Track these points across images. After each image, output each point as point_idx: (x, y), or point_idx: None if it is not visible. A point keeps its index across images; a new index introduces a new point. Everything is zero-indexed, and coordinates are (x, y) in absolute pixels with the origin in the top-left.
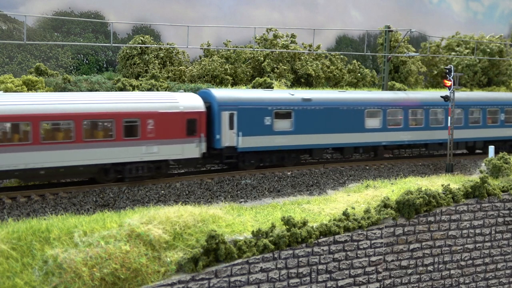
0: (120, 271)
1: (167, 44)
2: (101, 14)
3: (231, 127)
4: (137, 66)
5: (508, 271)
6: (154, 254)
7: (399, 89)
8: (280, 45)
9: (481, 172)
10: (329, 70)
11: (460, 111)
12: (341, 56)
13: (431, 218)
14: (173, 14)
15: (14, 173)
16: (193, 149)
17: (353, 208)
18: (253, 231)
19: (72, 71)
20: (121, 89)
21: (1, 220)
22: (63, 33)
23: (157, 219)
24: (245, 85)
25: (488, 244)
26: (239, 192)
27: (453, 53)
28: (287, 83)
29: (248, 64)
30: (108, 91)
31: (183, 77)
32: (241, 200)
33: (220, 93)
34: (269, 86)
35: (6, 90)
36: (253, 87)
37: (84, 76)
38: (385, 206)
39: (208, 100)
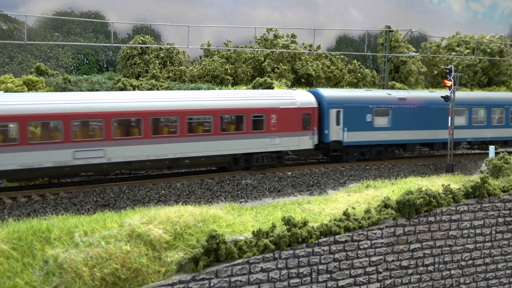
0: (120, 271)
1: (168, 44)
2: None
3: (338, 123)
4: (137, 66)
5: (508, 271)
6: (155, 254)
7: (399, 89)
8: (280, 45)
9: (481, 172)
10: (329, 70)
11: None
12: (342, 56)
13: (431, 218)
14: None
15: (165, 161)
16: (307, 141)
17: (353, 208)
18: (253, 231)
19: (72, 71)
20: (121, 89)
21: (1, 220)
22: (63, 33)
23: (158, 219)
24: (245, 85)
25: (489, 244)
26: (239, 192)
27: (453, 53)
28: (288, 83)
29: (249, 64)
30: (108, 91)
31: (184, 77)
32: (242, 200)
33: (328, 92)
34: (270, 87)
35: (7, 90)
36: (254, 87)
37: (85, 76)
38: (386, 206)
39: (317, 98)
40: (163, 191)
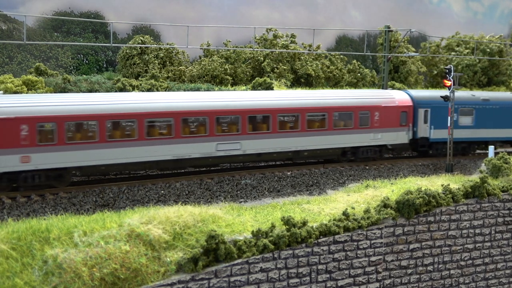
0: (120, 271)
1: (167, 44)
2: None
3: (425, 121)
4: (137, 66)
5: (508, 271)
6: (154, 254)
7: (399, 89)
8: (280, 45)
9: (481, 172)
10: (329, 70)
11: None
12: (341, 56)
13: (431, 218)
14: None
15: (288, 153)
16: (404, 136)
17: (353, 208)
18: (253, 231)
19: (72, 71)
20: (121, 90)
21: (1, 220)
22: (63, 33)
23: (157, 219)
24: (245, 85)
25: (488, 244)
26: (239, 192)
27: (453, 53)
28: (287, 83)
29: (248, 64)
30: (109, 91)
31: (183, 77)
32: (241, 200)
33: (417, 93)
34: (269, 87)
35: (6, 90)
36: (253, 87)
37: (84, 76)
38: (385, 206)
39: None
40: (162, 191)
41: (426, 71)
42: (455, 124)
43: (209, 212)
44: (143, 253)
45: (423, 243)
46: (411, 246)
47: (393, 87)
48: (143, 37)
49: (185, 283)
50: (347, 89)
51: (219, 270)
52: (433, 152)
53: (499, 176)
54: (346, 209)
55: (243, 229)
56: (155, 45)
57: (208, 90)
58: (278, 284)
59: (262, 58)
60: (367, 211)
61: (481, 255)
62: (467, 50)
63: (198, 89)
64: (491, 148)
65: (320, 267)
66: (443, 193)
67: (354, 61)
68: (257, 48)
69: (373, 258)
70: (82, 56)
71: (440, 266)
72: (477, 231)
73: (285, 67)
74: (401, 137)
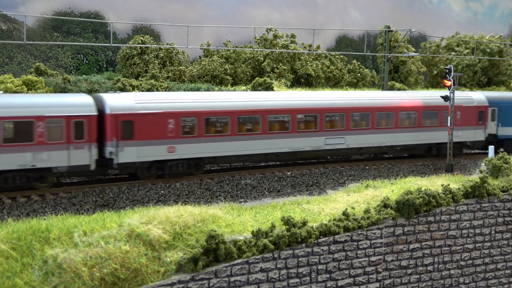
0: (120, 271)
1: (167, 44)
2: (101, 14)
3: (493, 120)
4: (137, 66)
5: (508, 271)
6: (154, 254)
7: (399, 89)
8: (280, 45)
9: (481, 172)
10: (329, 70)
11: None
12: (341, 56)
13: (431, 218)
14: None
15: (384, 148)
16: (481, 134)
17: (353, 208)
18: (253, 231)
19: (72, 71)
20: (121, 89)
21: (1, 220)
22: (63, 33)
23: (157, 219)
24: (245, 85)
25: (488, 244)
26: (239, 192)
27: (453, 53)
28: (287, 83)
29: (248, 64)
30: (108, 91)
31: (183, 77)
32: (241, 200)
33: (487, 94)
34: (269, 87)
35: (6, 90)
36: (253, 87)
37: (84, 76)
38: (385, 206)
39: None
40: (162, 191)
41: (426, 71)
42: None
43: (209, 212)
44: (143, 253)
45: (423, 243)
46: (411, 246)
47: (393, 87)
48: (143, 37)
49: (185, 283)
50: (432, 90)
51: (219, 270)
52: (503, 148)
53: (499, 176)
54: (346, 209)
55: (243, 229)
56: (155, 45)
57: (208, 90)
58: (278, 284)
59: (262, 58)
60: (367, 211)
61: (481, 255)
62: (467, 50)
63: (198, 89)
64: (491, 148)
65: (320, 267)
66: (443, 193)
67: (354, 61)
68: (257, 48)
69: (373, 258)
70: (82, 56)
71: (440, 266)
72: (477, 231)
73: (285, 67)
74: (478, 134)
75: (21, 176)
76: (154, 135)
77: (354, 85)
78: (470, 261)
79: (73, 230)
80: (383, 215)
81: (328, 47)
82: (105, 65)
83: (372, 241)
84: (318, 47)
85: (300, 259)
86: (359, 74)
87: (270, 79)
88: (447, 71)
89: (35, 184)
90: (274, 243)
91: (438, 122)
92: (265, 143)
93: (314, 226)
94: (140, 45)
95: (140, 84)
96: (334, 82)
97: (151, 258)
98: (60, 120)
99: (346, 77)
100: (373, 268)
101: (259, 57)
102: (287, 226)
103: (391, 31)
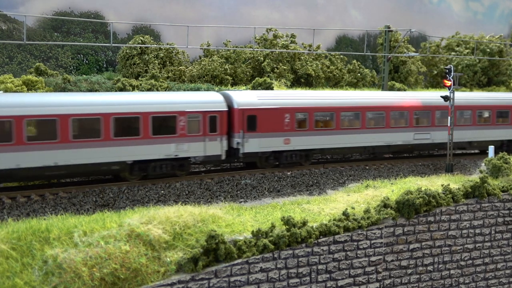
0: (120, 271)
1: (167, 44)
2: (101, 14)
3: None
4: (137, 66)
5: (508, 271)
6: (154, 254)
7: (399, 89)
8: (280, 45)
9: (481, 172)
10: (329, 70)
11: None
12: (341, 56)
13: (431, 218)
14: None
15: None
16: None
17: (353, 208)
18: (253, 231)
19: (72, 71)
20: (121, 89)
21: (1, 220)
22: (63, 33)
23: (157, 219)
24: (245, 85)
25: (488, 244)
26: (239, 192)
27: (453, 53)
28: (287, 83)
29: (248, 64)
30: (108, 91)
31: (183, 77)
32: (241, 200)
33: None
34: (269, 87)
35: (6, 90)
36: (253, 87)
37: (84, 76)
38: (385, 206)
39: None
40: (162, 191)
41: (426, 71)
42: None
43: (209, 212)
44: (143, 253)
45: (423, 243)
46: (411, 246)
47: (393, 87)
48: (143, 37)
49: (185, 283)
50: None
51: (219, 270)
52: None
53: (499, 176)
54: (346, 209)
55: (243, 229)
56: (155, 45)
57: (208, 90)
58: (278, 284)
59: (262, 58)
60: (367, 211)
61: (481, 255)
62: (467, 50)
63: (198, 89)
64: (491, 148)
65: (320, 267)
66: (443, 193)
67: (354, 61)
68: (257, 48)
69: (373, 258)
70: (82, 56)
71: (440, 266)
72: (477, 231)
73: (285, 67)
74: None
75: (166, 165)
76: (273, 128)
77: (354, 85)
78: (470, 261)
79: (73, 230)
80: (383, 215)
81: (328, 47)
82: (105, 65)
83: (372, 241)
84: (318, 47)
85: (300, 259)
86: (359, 74)
87: (270, 79)
88: (447, 71)
89: (175, 172)
90: (274, 243)
91: (509, 120)
92: (364, 137)
93: (314, 226)
94: (140, 45)
95: (140, 84)
96: (334, 82)
97: (151, 258)
98: (198, 115)
99: (346, 77)
100: (373, 268)
101: (259, 57)
102: (287, 226)
103: (391, 31)
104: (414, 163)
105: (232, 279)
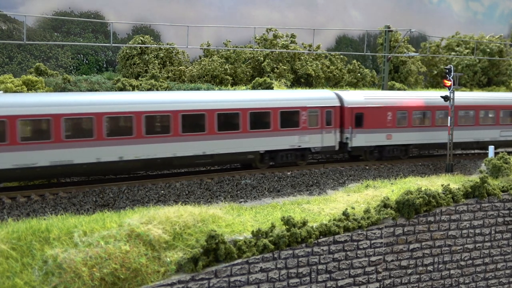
0: (120, 271)
1: (167, 44)
2: (101, 14)
3: None
4: (137, 66)
5: (508, 271)
6: (154, 254)
7: (399, 89)
8: (280, 45)
9: (481, 172)
10: (329, 70)
11: None
12: (341, 56)
13: (431, 218)
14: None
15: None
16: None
17: (353, 208)
18: (253, 231)
19: (72, 71)
20: (120, 89)
21: (1, 220)
22: (63, 33)
23: (157, 219)
24: (245, 85)
25: (488, 244)
26: (239, 192)
27: (453, 53)
28: (287, 83)
29: (248, 64)
30: (108, 91)
31: (183, 77)
32: (241, 200)
33: None
34: (269, 87)
35: (6, 90)
36: (253, 87)
37: (84, 76)
38: (385, 206)
39: None
40: (162, 191)
41: (426, 71)
42: None
43: (209, 212)
44: (143, 253)
45: (423, 243)
46: (411, 246)
47: (392, 87)
48: (143, 37)
49: (185, 283)
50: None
51: (219, 270)
52: None
53: (499, 176)
54: (346, 209)
55: (243, 229)
56: (155, 45)
57: (208, 89)
58: (278, 284)
59: (262, 58)
60: (367, 211)
61: (481, 255)
62: (467, 50)
63: (198, 89)
64: (491, 148)
65: (320, 267)
66: (443, 193)
67: (354, 61)
68: (257, 48)
69: (373, 258)
70: (82, 56)
71: (440, 266)
72: (477, 231)
73: (285, 67)
74: None
75: (291, 154)
76: (377, 125)
77: (354, 85)
78: (470, 261)
79: (73, 230)
80: (383, 215)
81: (328, 47)
82: (105, 65)
83: (372, 241)
84: (318, 47)
85: (300, 259)
86: (359, 74)
87: (270, 79)
88: (447, 71)
89: (297, 161)
90: (274, 243)
91: None
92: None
93: (314, 226)
94: (140, 45)
95: (140, 84)
96: (334, 82)
97: (151, 258)
98: (316, 110)
99: (346, 77)
100: (373, 268)
101: (259, 57)
102: (287, 226)
103: (391, 31)
104: (414, 163)
105: (232, 279)
